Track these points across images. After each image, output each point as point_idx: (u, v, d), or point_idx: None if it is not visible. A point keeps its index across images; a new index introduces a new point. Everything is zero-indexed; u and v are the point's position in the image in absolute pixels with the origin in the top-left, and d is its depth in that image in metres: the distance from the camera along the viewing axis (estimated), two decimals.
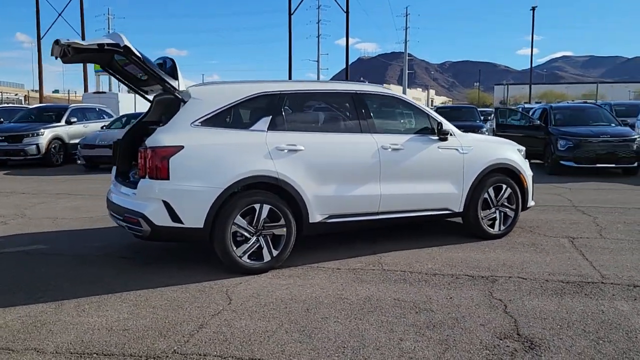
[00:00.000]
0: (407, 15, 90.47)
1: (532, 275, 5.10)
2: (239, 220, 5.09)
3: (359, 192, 5.65)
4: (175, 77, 5.10)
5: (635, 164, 12.35)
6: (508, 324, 3.98)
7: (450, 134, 6.17)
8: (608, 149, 12.28)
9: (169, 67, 5.20)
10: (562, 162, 12.48)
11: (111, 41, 4.76)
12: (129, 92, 24.53)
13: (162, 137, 4.94)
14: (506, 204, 6.56)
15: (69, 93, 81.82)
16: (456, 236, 6.58)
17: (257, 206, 5.14)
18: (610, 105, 19.35)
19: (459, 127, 6.51)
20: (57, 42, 5.03)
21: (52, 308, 4.37)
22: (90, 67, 40.39)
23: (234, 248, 5.09)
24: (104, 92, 28.88)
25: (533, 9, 42.82)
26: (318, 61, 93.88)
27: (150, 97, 6.23)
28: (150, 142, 4.92)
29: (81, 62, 6.30)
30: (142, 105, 25.06)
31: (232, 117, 5.31)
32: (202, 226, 4.96)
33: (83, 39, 11.14)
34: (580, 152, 12.35)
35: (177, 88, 5.15)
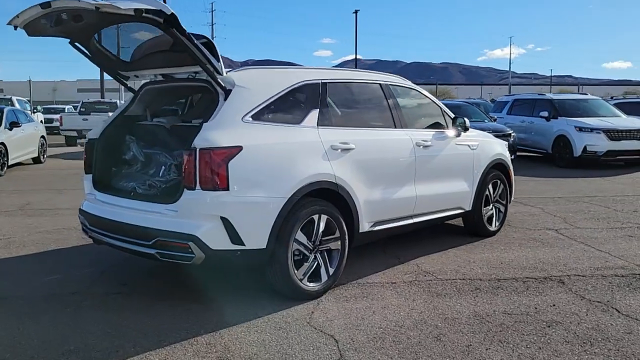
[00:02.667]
0: (212, 12, 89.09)
1: (583, 271, 5.04)
2: (300, 235, 4.18)
3: (400, 194, 5.07)
4: (217, 59, 3.98)
5: (512, 157, 13.41)
6: None
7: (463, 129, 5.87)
8: None
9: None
10: None
11: (151, 7, 3.51)
12: None
13: (215, 136, 3.81)
14: (499, 199, 6.49)
15: None
16: (452, 236, 6.33)
17: (315, 217, 4.28)
18: None
19: None
20: (47, 4, 3.63)
21: None
22: None
23: (295, 270, 4.17)
24: None
25: (356, 12, 44.98)
26: (118, 53, 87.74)
27: (130, 84, 4.89)
28: (201, 142, 3.75)
29: (58, 35, 4.50)
30: None
31: (280, 110, 4.33)
32: (264, 246, 3.96)
33: None
34: None
35: (222, 72, 4.03)
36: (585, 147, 12.95)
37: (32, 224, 7.03)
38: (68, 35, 4.32)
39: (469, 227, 6.33)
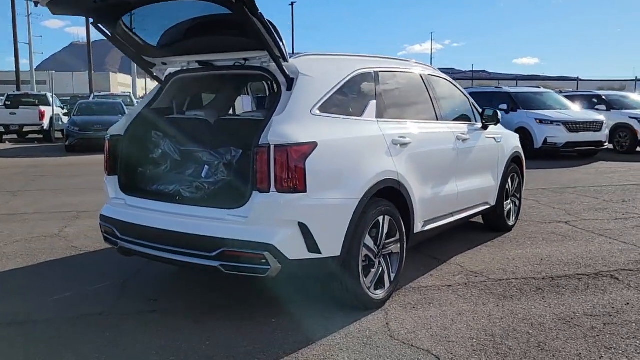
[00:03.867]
0: None
1: (626, 265, 4.95)
2: (368, 239, 3.79)
3: (445, 190, 4.78)
4: (283, 44, 3.49)
5: None
6: None
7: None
8: None
9: None
10: None
11: None
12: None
13: (290, 130, 3.32)
14: (515, 193, 6.35)
15: None
16: (472, 232, 6.11)
17: (380, 219, 3.89)
18: None
19: None
20: None
21: None
22: None
23: (364, 277, 3.77)
24: None
25: (292, 4, 44.41)
26: (30, 44, 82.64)
27: (155, 72, 4.28)
28: (275, 137, 3.26)
29: (85, 14, 3.71)
30: None
31: (343, 101, 3.88)
32: (339, 253, 3.53)
33: None
34: None
35: (288, 59, 3.54)
36: (545, 139, 13.24)
37: (3, 232, 6.18)
38: (97, 14, 3.68)
39: (490, 222, 6.13)
